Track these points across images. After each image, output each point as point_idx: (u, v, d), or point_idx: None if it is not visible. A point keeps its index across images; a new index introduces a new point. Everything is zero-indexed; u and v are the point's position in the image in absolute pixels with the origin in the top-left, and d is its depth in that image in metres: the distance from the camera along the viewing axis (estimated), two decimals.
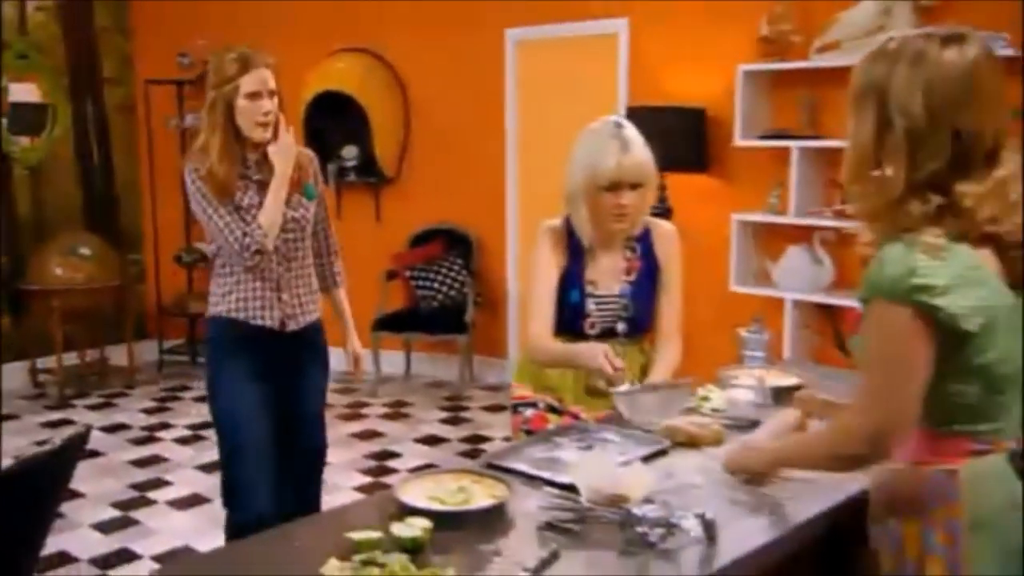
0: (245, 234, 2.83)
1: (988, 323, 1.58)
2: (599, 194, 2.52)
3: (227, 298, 2.95)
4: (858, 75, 1.67)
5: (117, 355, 6.51)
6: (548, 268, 2.63)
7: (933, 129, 1.56)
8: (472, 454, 4.96)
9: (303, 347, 3.03)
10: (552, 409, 2.66)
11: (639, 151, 2.53)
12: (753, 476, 1.99)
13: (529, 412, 2.68)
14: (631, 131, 2.56)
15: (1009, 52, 3.95)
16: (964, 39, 1.60)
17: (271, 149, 2.88)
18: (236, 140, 2.86)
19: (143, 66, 6.81)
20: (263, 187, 2.90)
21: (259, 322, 2.93)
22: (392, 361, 6.41)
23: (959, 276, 1.56)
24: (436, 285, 6.07)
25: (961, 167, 1.58)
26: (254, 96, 2.81)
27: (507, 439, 2.55)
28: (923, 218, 1.57)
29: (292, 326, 2.98)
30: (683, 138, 4.94)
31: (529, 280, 2.69)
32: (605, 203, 2.53)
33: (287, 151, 2.90)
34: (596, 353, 2.44)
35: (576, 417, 2.60)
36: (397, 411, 5.78)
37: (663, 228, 2.73)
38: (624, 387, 2.39)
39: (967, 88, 1.57)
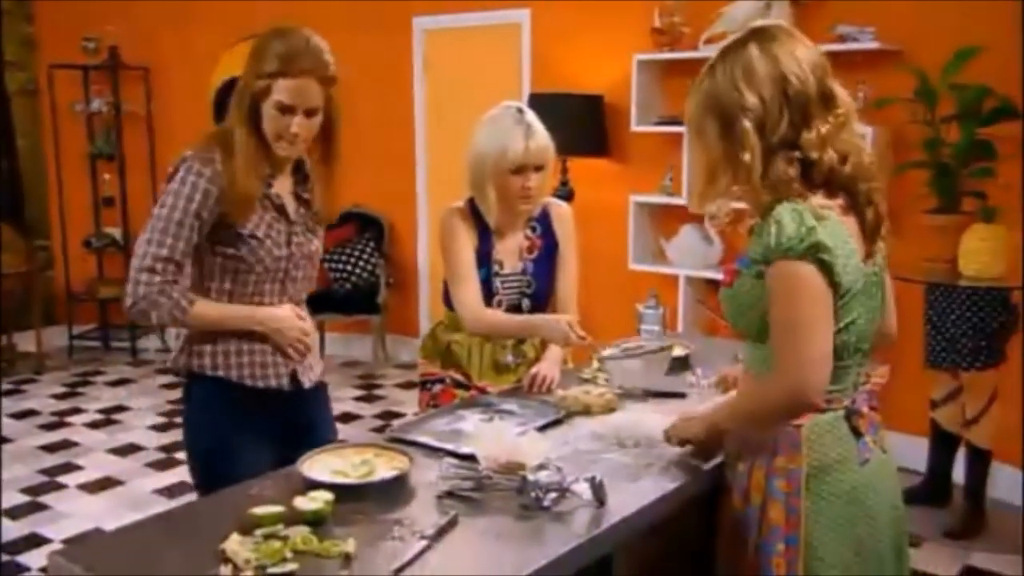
0: (168, 294, 2.15)
1: (847, 293, 1.72)
2: (506, 177, 2.61)
3: (224, 352, 2.28)
4: (690, 107, 1.82)
5: (25, 341, 6.42)
6: (466, 243, 2.70)
7: (767, 105, 1.71)
8: (385, 431, 5.06)
9: (318, 406, 2.50)
10: (459, 384, 2.75)
11: (542, 135, 2.64)
12: (696, 446, 2.02)
13: (437, 388, 2.77)
14: (532, 116, 2.67)
15: (876, 45, 4.25)
16: (755, 30, 1.77)
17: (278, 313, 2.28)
18: (261, 146, 2.21)
19: (47, 50, 6.65)
20: (282, 212, 2.29)
21: (270, 383, 2.32)
22: None
23: (840, 243, 1.69)
24: (349, 267, 6.17)
25: (802, 119, 1.72)
26: (286, 110, 2.17)
27: (417, 415, 2.67)
28: (796, 177, 1.70)
29: (307, 382, 2.41)
30: (583, 124, 5.11)
31: (448, 257, 2.71)
32: (513, 186, 2.61)
33: (286, 329, 2.30)
34: (561, 325, 2.52)
35: (483, 392, 2.68)
36: None
37: (560, 208, 2.84)
38: (608, 351, 2.46)
39: (774, 56, 1.72)
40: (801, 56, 1.75)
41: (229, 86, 6.20)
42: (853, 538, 1.81)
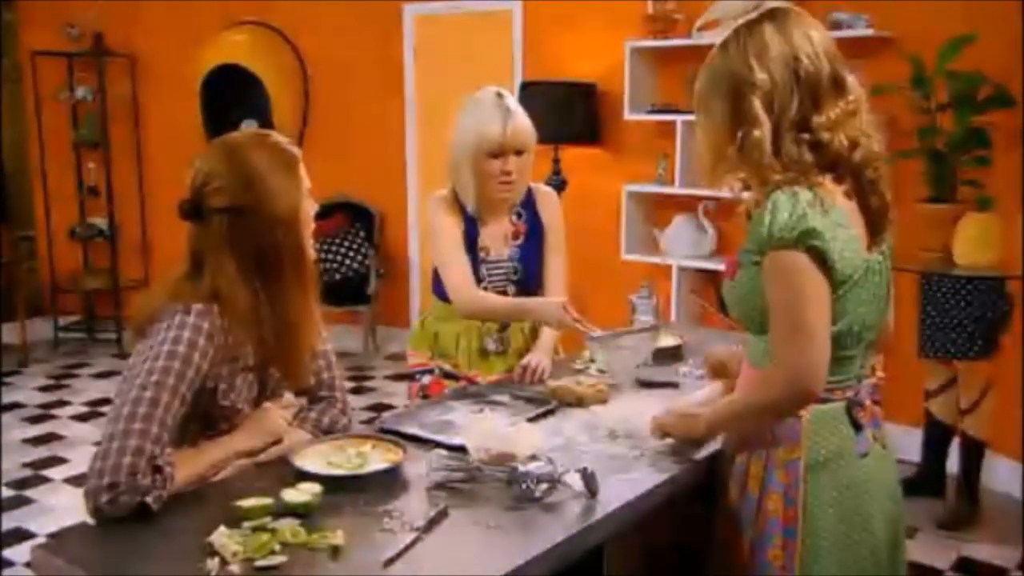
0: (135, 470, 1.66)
1: (847, 281, 1.70)
2: (485, 160, 2.59)
3: None
4: (700, 84, 1.82)
5: (9, 333, 6.35)
6: (452, 228, 2.67)
7: (777, 83, 1.71)
8: (375, 422, 5.03)
9: None
10: (448, 375, 2.72)
11: (521, 119, 2.62)
12: (689, 444, 1.99)
13: (426, 378, 2.75)
14: (512, 100, 2.65)
15: (870, 32, 4.22)
16: (771, 10, 1.76)
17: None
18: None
19: (29, 37, 6.56)
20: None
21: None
22: None
23: (837, 227, 1.69)
24: (339, 258, 6.12)
25: (813, 102, 1.72)
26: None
27: (407, 406, 2.63)
28: (803, 160, 1.70)
29: None
30: (576, 112, 5.09)
31: (435, 242, 2.69)
32: (491, 169, 2.59)
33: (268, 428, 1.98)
34: (554, 307, 2.48)
35: (472, 381, 2.66)
36: None
37: (544, 192, 2.82)
38: (597, 332, 2.41)
39: (788, 35, 1.72)
40: (815, 38, 1.74)
41: (218, 73, 6.18)
42: (849, 532, 1.79)
